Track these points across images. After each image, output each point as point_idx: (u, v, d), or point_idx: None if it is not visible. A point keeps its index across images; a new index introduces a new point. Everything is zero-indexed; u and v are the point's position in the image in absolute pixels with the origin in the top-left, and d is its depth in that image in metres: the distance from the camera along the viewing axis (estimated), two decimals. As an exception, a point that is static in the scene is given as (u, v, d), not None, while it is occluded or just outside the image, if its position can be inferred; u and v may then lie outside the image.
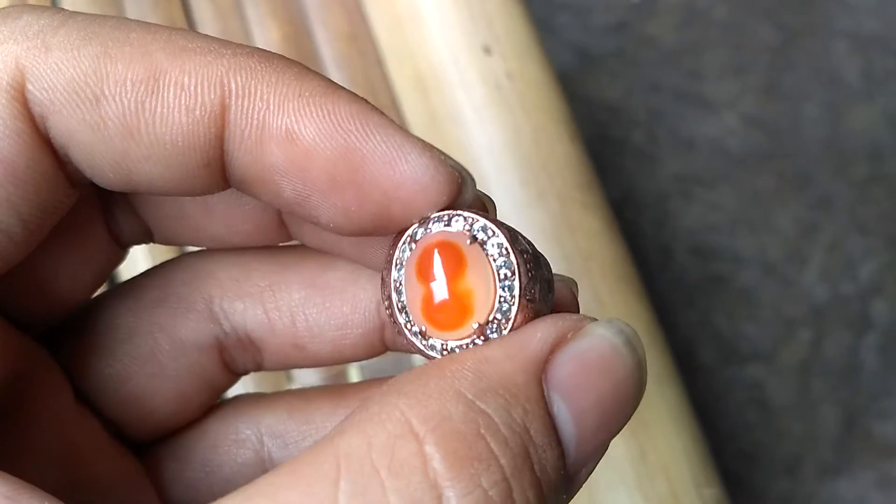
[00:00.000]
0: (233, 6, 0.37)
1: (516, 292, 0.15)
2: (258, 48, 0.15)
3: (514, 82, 0.35)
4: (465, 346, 0.15)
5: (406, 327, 0.16)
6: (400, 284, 0.16)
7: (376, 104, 0.37)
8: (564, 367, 0.14)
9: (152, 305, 0.18)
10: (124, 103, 0.14)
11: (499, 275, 0.15)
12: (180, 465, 0.19)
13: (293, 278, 0.18)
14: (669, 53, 0.76)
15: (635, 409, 0.15)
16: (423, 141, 0.15)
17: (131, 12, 0.37)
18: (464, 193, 0.15)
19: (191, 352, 0.18)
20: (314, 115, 0.15)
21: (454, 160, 0.15)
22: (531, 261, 0.15)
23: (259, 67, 0.15)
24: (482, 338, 0.15)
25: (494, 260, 0.15)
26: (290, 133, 0.15)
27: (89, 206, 0.18)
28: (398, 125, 0.15)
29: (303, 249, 0.19)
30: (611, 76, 0.75)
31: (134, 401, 0.18)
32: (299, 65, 0.15)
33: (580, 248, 0.33)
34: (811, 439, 0.65)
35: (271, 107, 0.15)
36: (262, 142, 0.15)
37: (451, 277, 0.15)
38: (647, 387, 0.32)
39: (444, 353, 0.15)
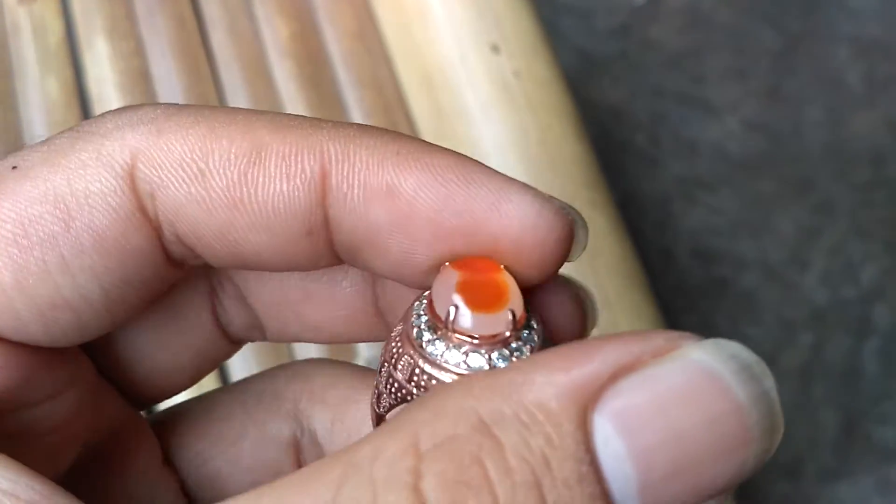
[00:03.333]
0: (241, 3, 0.37)
1: None
2: (356, 123, 0.16)
3: (522, 81, 0.35)
4: (490, 350, 0.14)
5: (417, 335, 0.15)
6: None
7: (384, 102, 0.37)
8: (626, 395, 0.12)
9: (252, 397, 0.19)
10: (228, 176, 0.15)
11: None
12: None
13: (366, 395, 0.19)
14: (672, 57, 0.76)
15: (755, 455, 0.12)
16: (526, 184, 0.15)
17: (140, 10, 0.37)
18: (577, 234, 0.15)
19: (270, 446, 0.19)
20: (412, 168, 0.15)
21: (563, 202, 0.15)
22: None
23: (356, 134, 0.15)
24: (511, 335, 0.14)
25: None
26: (390, 188, 0.15)
27: (196, 292, 0.18)
28: (498, 172, 0.15)
29: None
30: (613, 79, 0.75)
31: (210, 479, 0.19)
32: (394, 131, 0.16)
33: (587, 246, 0.33)
34: (812, 443, 0.65)
35: (370, 167, 0.15)
36: (364, 201, 0.15)
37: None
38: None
39: (462, 362, 0.14)
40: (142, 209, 0.15)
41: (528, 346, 0.14)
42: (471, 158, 0.15)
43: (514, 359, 0.14)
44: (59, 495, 0.14)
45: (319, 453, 0.19)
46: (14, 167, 0.15)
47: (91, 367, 0.17)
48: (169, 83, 0.36)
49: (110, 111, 0.16)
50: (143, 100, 0.36)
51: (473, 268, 0.15)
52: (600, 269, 0.32)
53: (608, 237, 0.33)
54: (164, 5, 0.37)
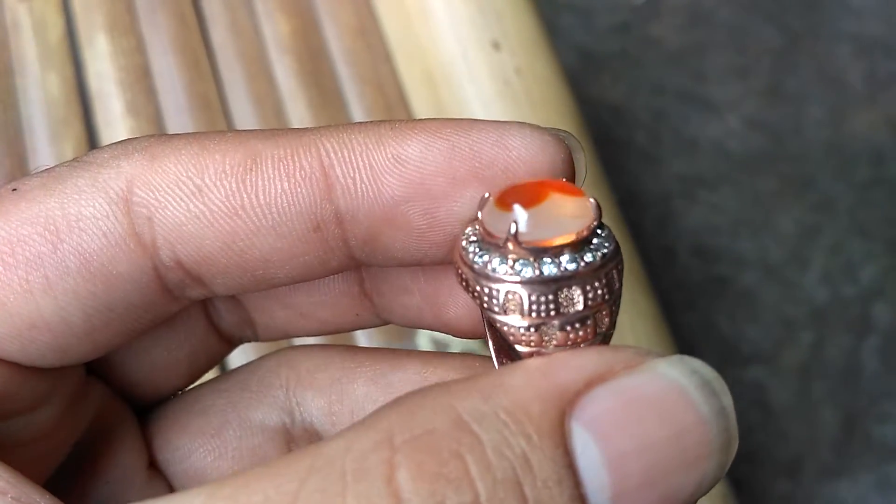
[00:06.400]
0: (242, 0, 0.37)
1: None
2: (346, 123, 0.16)
3: (523, 78, 0.35)
4: (568, 257, 0.14)
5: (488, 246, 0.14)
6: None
7: (385, 99, 0.37)
8: (601, 402, 0.12)
9: (235, 387, 0.19)
10: (225, 186, 0.15)
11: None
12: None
13: (361, 373, 0.19)
14: (673, 55, 0.76)
15: (715, 469, 0.13)
16: (515, 121, 0.16)
17: (141, 6, 0.37)
18: (576, 157, 0.15)
19: (255, 433, 0.19)
20: (412, 135, 0.15)
21: (554, 128, 0.16)
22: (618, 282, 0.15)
23: (346, 126, 0.16)
24: (595, 226, 0.14)
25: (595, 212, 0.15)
26: (397, 157, 0.15)
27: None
28: (489, 120, 0.16)
29: (380, 350, 0.19)
30: (614, 77, 0.75)
31: (194, 474, 0.19)
32: (382, 120, 0.16)
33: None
34: (812, 441, 0.65)
35: (370, 147, 0.15)
36: (374, 179, 0.15)
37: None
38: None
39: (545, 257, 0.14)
40: (135, 235, 0.15)
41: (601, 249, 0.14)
42: (460, 118, 0.16)
43: (595, 254, 0.14)
44: (42, 495, 0.14)
45: (318, 440, 0.19)
46: (14, 189, 0.15)
47: (79, 370, 0.17)
48: (169, 79, 0.36)
49: (108, 144, 0.16)
50: (143, 96, 0.35)
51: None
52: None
53: (609, 234, 0.33)
54: (164, 2, 0.37)
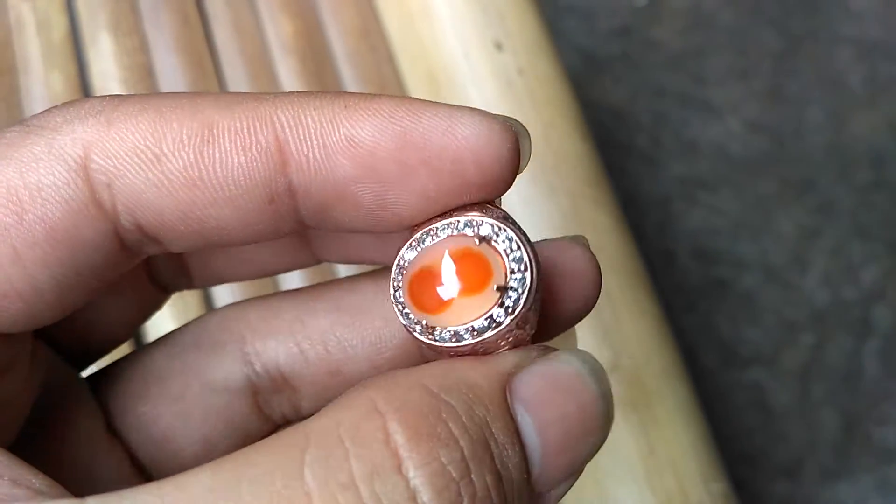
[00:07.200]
0: (245, 0, 0.37)
1: (528, 284, 0.15)
2: (299, 91, 0.16)
3: (526, 78, 0.35)
4: (481, 323, 0.15)
5: (411, 319, 0.16)
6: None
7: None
8: (529, 383, 0.15)
9: (187, 349, 0.19)
10: (184, 157, 0.15)
11: (510, 268, 0.16)
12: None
13: (320, 306, 0.19)
14: (674, 58, 0.76)
15: (601, 439, 0.16)
16: (469, 107, 0.16)
17: (144, 6, 0.37)
18: (521, 144, 0.16)
19: (220, 393, 0.19)
20: (365, 117, 0.15)
21: (505, 116, 0.16)
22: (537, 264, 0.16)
23: (300, 99, 0.16)
24: (500, 307, 0.15)
25: (507, 254, 0.16)
26: (350, 140, 0.15)
27: None
28: (440, 102, 0.16)
29: (326, 283, 0.20)
30: (615, 80, 0.75)
31: (161, 440, 0.19)
32: (336, 91, 0.16)
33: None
34: (812, 443, 0.65)
35: (324, 125, 0.16)
36: (327, 158, 0.16)
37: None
38: (657, 382, 0.32)
39: (460, 336, 0.15)
40: (96, 201, 0.15)
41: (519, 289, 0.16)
42: (412, 97, 0.16)
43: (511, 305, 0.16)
44: (35, 475, 0.14)
45: (291, 392, 0.19)
46: None
47: (29, 336, 0.17)
48: (172, 79, 0.36)
49: (57, 105, 0.16)
50: (146, 96, 0.36)
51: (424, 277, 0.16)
52: (603, 265, 0.32)
53: (611, 234, 0.33)
54: (168, 1, 0.37)
